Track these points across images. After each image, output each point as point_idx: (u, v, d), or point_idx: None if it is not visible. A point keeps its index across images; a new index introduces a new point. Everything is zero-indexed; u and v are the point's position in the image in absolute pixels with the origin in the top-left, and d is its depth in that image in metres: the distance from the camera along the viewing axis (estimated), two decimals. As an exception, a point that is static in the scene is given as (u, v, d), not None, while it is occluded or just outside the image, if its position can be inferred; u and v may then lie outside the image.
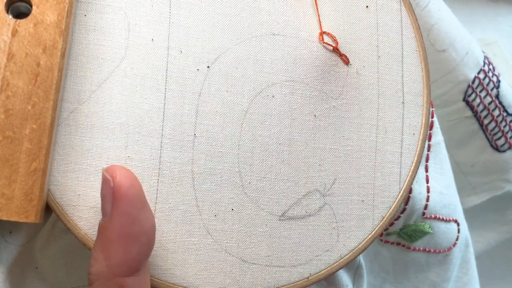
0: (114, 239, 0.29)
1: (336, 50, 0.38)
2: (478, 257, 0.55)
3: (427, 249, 0.49)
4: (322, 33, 0.38)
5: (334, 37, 0.38)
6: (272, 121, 0.37)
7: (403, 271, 0.51)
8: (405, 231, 0.48)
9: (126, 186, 0.30)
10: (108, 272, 0.29)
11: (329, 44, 0.38)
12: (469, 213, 0.53)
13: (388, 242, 0.49)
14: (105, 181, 0.30)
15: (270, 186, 0.37)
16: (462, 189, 0.54)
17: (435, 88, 0.52)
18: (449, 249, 0.49)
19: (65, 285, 0.38)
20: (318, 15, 0.38)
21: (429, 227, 0.47)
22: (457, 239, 0.49)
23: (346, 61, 0.39)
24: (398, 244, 0.49)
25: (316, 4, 0.38)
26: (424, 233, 0.48)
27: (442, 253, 0.50)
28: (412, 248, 0.49)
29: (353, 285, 0.46)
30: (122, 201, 0.29)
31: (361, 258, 0.46)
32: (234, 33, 0.36)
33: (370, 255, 0.50)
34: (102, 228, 0.30)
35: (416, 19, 0.41)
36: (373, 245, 0.50)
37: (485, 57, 0.53)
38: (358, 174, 0.39)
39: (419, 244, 0.49)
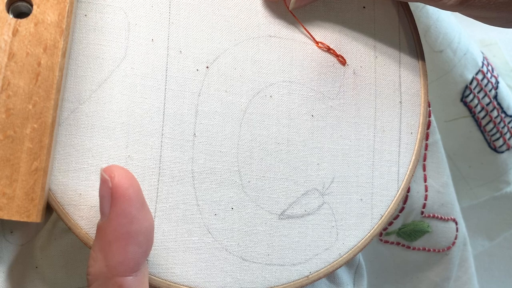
0: (113, 239, 0.29)
1: (331, 51, 0.38)
2: (475, 257, 0.55)
3: (426, 249, 0.49)
4: (317, 42, 0.38)
5: (328, 46, 0.38)
6: (271, 121, 0.37)
7: (403, 271, 0.52)
8: (404, 230, 0.48)
9: (125, 186, 0.30)
10: (107, 272, 0.29)
11: (324, 47, 0.38)
12: (466, 212, 0.53)
13: (388, 242, 0.50)
14: (103, 181, 0.30)
15: (269, 185, 0.37)
16: (460, 189, 0.54)
17: (433, 89, 0.52)
18: (448, 248, 0.50)
19: (64, 286, 0.38)
20: (305, 28, 0.38)
21: (428, 226, 0.47)
22: (455, 238, 0.49)
23: (343, 62, 0.39)
24: (398, 244, 0.49)
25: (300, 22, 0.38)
26: (423, 232, 0.48)
27: (442, 252, 0.50)
28: (412, 247, 0.49)
29: (354, 284, 0.46)
30: (120, 201, 0.29)
31: (361, 257, 0.47)
32: (233, 34, 0.37)
33: (370, 255, 0.51)
34: (100, 228, 0.30)
35: (414, 19, 0.41)
36: (373, 245, 0.50)
37: (484, 58, 0.53)
38: (357, 173, 0.39)
39: (419, 243, 0.49)
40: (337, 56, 0.39)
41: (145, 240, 0.30)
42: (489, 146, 0.55)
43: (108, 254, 0.29)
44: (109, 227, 0.30)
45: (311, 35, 0.38)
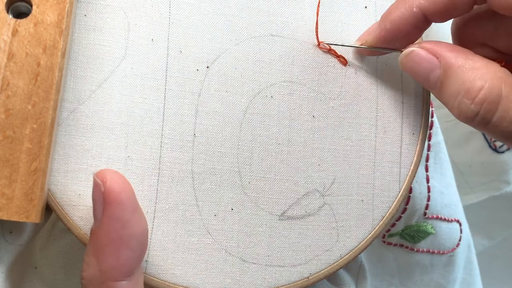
0: (106, 244, 0.29)
1: (332, 52, 0.38)
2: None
3: (431, 250, 0.49)
4: (319, 42, 0.38)
5: (329, 46, 0.38)
6: (271, 121, 0.37)
7: (407, 273, 0.51)
8: (407, 231, 0.48)
9: (117, 190, 0.29)
10: (100, 276, 0.29)
11: (324, 48, 0.38)
12: (466, 212, 0.53)
13: (391, 244, 0.49)
14: (95, 186, 0.30)
15: (270, 185, 0.37)
16: (460, 188, 0.54)
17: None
18: (453, 249, 0.49)
19: (63, 286, 0.38)
20: (317, 26, 0.38)
21: (432, 227, 0.47)
22: (460, 239, 0.49)
23: (344, 62, 0.39)
24: (401, 245, 0.49)
25: (317, 14, 0.38)
26: (426, 234, 0.48)
27: (446, 254, 0.49)
28: (415, 249, 0.49)
29: (356, 287, 0.46)
30: (112, 206, 0.29)
31: (363, 259, 0.46)
32: (233, 34, 0.36)
33: (373, 258, 0.50)
34: (93, 232, 0.30)
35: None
36: (377, 248, 0.50)
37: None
38: (358, 174, 0.39)
39: (423, 245, 0.49)
40: (337, 56, 0.38)
41: (138, 245, 0.30)
42: (490, 146, 0.55)
43: (100, 259, 0.29)
44: (101, 231, 0.30)
45: (317, 35, 0.38)
